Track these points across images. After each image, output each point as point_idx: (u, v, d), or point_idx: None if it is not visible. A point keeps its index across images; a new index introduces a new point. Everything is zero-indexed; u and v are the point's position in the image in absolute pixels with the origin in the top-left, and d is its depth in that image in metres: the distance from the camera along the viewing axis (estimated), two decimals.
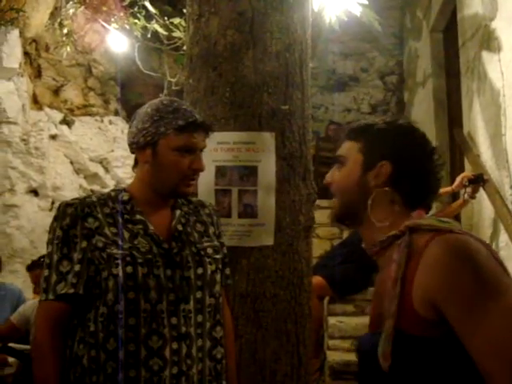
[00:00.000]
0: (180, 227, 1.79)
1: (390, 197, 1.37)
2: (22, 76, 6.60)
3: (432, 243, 1.22)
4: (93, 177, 7.12)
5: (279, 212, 2.30)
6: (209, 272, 1.77)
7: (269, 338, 2.25)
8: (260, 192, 2.28)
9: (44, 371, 1.62)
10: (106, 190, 1.94)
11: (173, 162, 1.73)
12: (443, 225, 1.28)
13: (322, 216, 6.39)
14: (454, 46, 5.90)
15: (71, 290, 1.63)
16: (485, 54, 4.77)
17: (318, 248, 5.36)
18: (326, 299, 4.80)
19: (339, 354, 4.41)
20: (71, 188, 6.89)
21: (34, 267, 4.20)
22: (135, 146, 1.78)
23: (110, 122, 7.36)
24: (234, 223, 2.25)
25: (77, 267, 1.64)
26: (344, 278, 4.71)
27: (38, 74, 7.15)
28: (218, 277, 1.82)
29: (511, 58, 4.18)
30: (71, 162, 7.05)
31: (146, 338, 1.62)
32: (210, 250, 1.82)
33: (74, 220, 1.68)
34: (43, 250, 5.86)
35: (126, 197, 1.77)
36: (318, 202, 6.24)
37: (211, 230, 1.89)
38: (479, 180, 4.27)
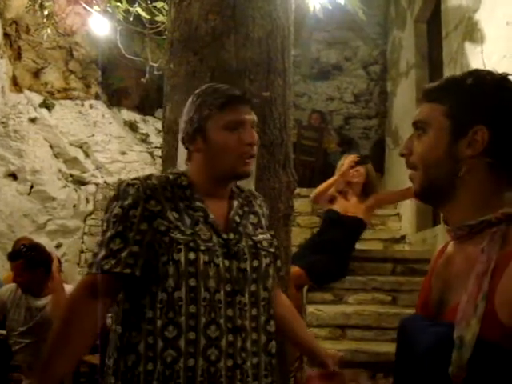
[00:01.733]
0: (238, 218, 1.75)
1: (486, 169, 1.14)
2: (1, 58, 6.51)
3: None
4: (72, 161, 7.06)
5: None
6: (263, 265, 1.73)
7: None
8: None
9: (75, 326, 1.57)
10: (161, 174, 1.85)
11: (224, 141, 1.68)
12: None
13: (302, 204, 6.42)
14: (438, 36, 5.92)
15: (127, 270, 1.56)
16: (468, 46, 4.78)
17: (299, 237, 5.37)
18: (305, 287, 4.82)
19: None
20: (50, 172, 6.83)
21: (15, 258, 4.14)
22: (186, 139, 1.74)
23: (91, 106, 7.30)
24: None
25: (135, 248, 1.57)
26: (321, 267, 4.76)
27: (17, 55, 7.06)
28: (272, 270, 1.77)
29: (493, 50, 4.19)
30: (51, 146, 6.99)
31: (205, 327, 1.57)
32: (265, 243, 1.77)
33: (135, 201, 1.61)
34: (21, 234, 5.83)
35: (185, 182, 1.71)
36: (298, 190, 6.29)
37: (263, 221, 1.86)
38: (365, 161, 4.66)
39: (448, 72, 5.36)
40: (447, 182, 1.17)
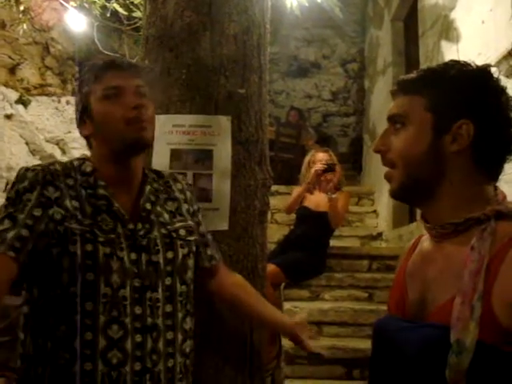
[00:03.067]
0: (148, 206, 1.61)
1: (470, 167, 1.09)
2: None
3: None
4: (49, 158, 6.98)
5: (234, 196, 2.28)
6: (180, 256, 1.60)
7: (221, 322, 2.23)
8: (215, 176, 2.25)
9: None
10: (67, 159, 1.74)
11: (106, 112, 1.55)
12: None
13: (280, 201, 6.43)
14: (415, 35, 5.96)
15: (11, 253, 1.39)
16: (444, 44, 4.82)
17: (276, 233, 5.38)
18: (282, 284, 4.84)
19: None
20: None
21: None
22: (78, 125, 1.64)
23: (68, 103, 7.22)
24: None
25: (24, 232, 1.42)
26: (297, 264, 4.78)
27: None
28: (191, 262, 1.66)
29: (469, 48, 4.23)
30: (27, 143, 6.90)
31: (105, 327, 1.43)
32: (182, 232, 1.65)
33: (32, 185, 1.48)
34: None
35: (89, 168, 1.58)
36: (276, 187, 6.32)
37: (184, 207, 1.73)
38: (332, 169, 4.74)
39: None
40: (430, 180, 1.11)
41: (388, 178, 1.18)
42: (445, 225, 1.10)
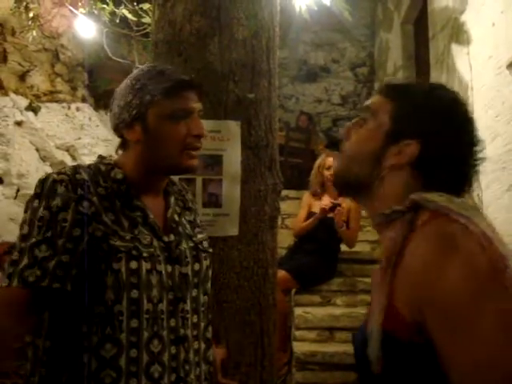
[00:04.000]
0: (176, 217, 1.58)
1: (408, 179, 1.13)
2: None
3: (426, 228, 1.02)
4: (59, 164, 7.00)
5: (244, 202, 2.27)
6: (204, 268, 1.59)
7: (232, 328, 2.22)
8: (225, 181, 2.24)
9: None
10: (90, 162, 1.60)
11: (168, 132, 1.48)
12: (447, 204, 1.05)
13: (290, 206, 6.40)
14: (425, 38, 5.93)
15: (56, 285, 1.33)
16: (454, 47, 4.79)
17: (287, 239, 5.35)
18: (293, 290, 4.82)
19: (305, 344, 4.41)
20: (37, 176, 6.76)
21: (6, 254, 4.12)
22: (122, 126, 1.52)
23: (78, 109, 7.25)
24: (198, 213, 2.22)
25: (65, 258, 1.35)
26: (307, 269, 4.76)
27: (3, 58, 6.99)
28: (210, 272, 1.64)
29: (480, 51, 4.20)
30: (37, 150, 6.93)
31: (148, 343, 1.41)
32: (205, 244, 1.63)
33: (65, 202, 1.38)
34: (7, 239, 5.78)
35: (119, 175, 1.50)
36: (287, 192, 6.27)
37: (198, 219, 1.70)
38: (335, 207, 4.73)
39: (435, 73, 5.37)
40: (368, 181, 1.16)
41: (336, 161, 1.26)
42: (379, 215, 1.14)
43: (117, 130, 1.55)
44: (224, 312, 2.21)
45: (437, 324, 0.95)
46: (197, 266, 1.57)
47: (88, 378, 1.37)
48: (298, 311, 4.65)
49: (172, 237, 1.53)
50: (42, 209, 1.37)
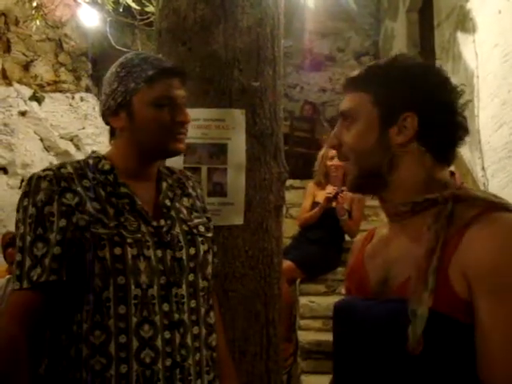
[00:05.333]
0: (168, 202, 1.60)
1: (420, 153, 1.16)
2: None
3: (483, 219, 1.04)
4: (63, 154, 7.01)
5: (249, 191, 2.26)
6: (201, 252, 1.59)
7: (238, 317, 2.22)
8: (230, 170, 2.23)
9: (13, 372, 1.37)
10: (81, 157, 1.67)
11: (153, 118, 1.52)
12: (500, 201, 1.09)
13: (295, 196, 6.39)
14: (430, 26, 5.90)
15: (52, 277, 1.40)
16: (460, 35, 4.76)
17: (292, 228, 5.34)
18: (298, 279, 4.82)
19: (310, 333, 4.42)
20: (41, 165, 6.77)
21: (11, 245, 4.13)
22: (107, 113, 1.57)
23: (82, 99, 7.25)
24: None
25: (56, 250, 1.41)
26: (312, 258, 4.76)
27: (7, 48, 6.99)
28: (210, 257, 1.65)
29: (485, 39, 4.17)
30: (41, 139, 6.94)
31: (137, 328, 1.43)
32: (201, 228, 1.64)
33: (49, 195, 1.43)
34: (12, 229, 5.80)
35: (107, 166, 1.54)
36: (291, 182, 6.27)
37: (198, 204, 1.71)
38: (336, 196, 4.77)
39: (440, 61, 5.35)
40: (381, 170, 1.17)
41: (345, 170, 1.24)
42: (405, 203, 1.15)
43: (104, 117, 1.60)
44: (230, 301, 2.21)
45: (486, 297, 0.99)
46: (192, 251, 1.58)
47: (80, 366, 1.41)
48: (302, 300, 4.66)
49: (163, 222, 1.54)
50: (30, 206, 1.44)
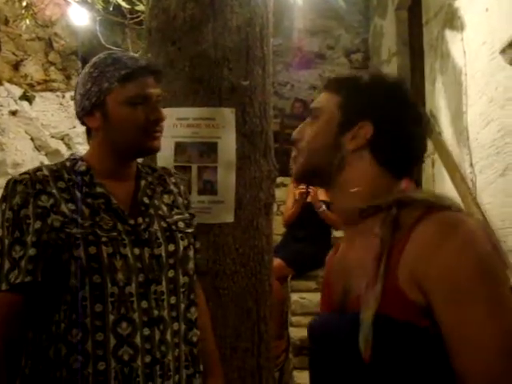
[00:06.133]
0: (146, 200, 1.60)
1: (369, 162, 1.20)
2: None
3: (426, 220, 1.07)
4: (54, 154, 6.99)
5: (239, 189, 2.28)
6: (181, 248, 1.60)
7: (229, 314, 2.24)
8: (220, 169, 2.25)
9: None
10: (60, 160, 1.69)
11: (127, 118, 1.53)
12: (440, 201, 1.12)
13: (285, 193, 6.41)
14: (419, 24, 5.92)
15: (28, 278, 1.41)
16: (448, 33, 4.79)
17: (282, 226, 5.37)
18: (289, 276, 4.85)
19: (302, 330, 4.44)
20: (32, 165, 6.73)
21: None
22: (82, 114, 1.57)
23: (72, 98, 7.22)
24: (193, 200, 2.20)
25: (32, 251, 1.43)
26: (300, 256, 4.80)
27: None
28: (191, 253, 1.65)
29: (473, 37, 4.20)
30: (32, 139, 6.91)
31: (114, 326, 1.44)
32: (181, 224, 1.65)
33: (24, 198, 1.46)
34: None
35: (83, 167, 1.55)
36: (282, 179, 6.28)
37: (179, 200, 1.71)
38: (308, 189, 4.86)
39: (429, 59, 5.38)
40: (330, 169, 1.21)
41: (294, 160, 1.30)
42: (349, 209, 1.20)
43: (79, 117, 1.61)
44: (221, 298, 2.23)
45: (442, 298, 1.00)
46: (172, 247, 1.59)
47: (59, 365, 1.43)
48: (294, 297, 4.69)
49: (140, 220, 1.56)
50: (7, 210, 1.47)
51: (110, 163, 1.59)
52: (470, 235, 1.04)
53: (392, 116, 1.20)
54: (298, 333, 4.41)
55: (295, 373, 4.22)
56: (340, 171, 1.21)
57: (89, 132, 1.64)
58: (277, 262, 4.32)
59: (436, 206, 1.10)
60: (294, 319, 4.56)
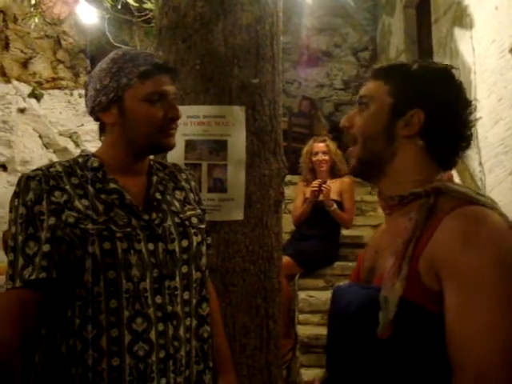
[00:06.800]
0: (159, 195, 1.60)
1: (419, 150, 1.22)
2: None
3: (457, 212, 1.09)
4: (62, 151, 7.02)
5: (249, 187, 2.28)
6: (194, 244, 1.60)
7: (238, 312, 2.25)
8: (230, 166, 2.26)
9: (7, 373, 1.39)
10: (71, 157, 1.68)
11: (145, 114, 1.53)
12: (478, 197, 1.14)
13: (294, 191, 6.41)
14: (427, 22, 5.91)
15: (42, 275, 1.40)
16: (457, 31, 4.78)
17: (290, 224, 5.36)
18: (297, 274, 4.85)
19: (309, 328, 4.44)
20: (40, 163, 6.79)
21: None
22: (98, 109, 1.56)
23: (80, 96, 7.25)
24: (203, 198, 2.21)
25: (46, 247, 1.41)
26: (309, 254, 4.79)
27: (5, 45, 7.00)
28: (204, 248, 1.65)
29: (483, 35, 4.19)
30: (40, 136, 6.95)
31: (129, 321, 1.43)
32: (194, 220, 1.64)
33: (38, 195, 1.45)
34: None
35: (95, 163, 1.55)
36: (290, 177, 6.28)
37: (191, 196, 1.71)
38: (320, 188, 4.77)
39: (437, 57, 5.36)
40: (383, 157, 1.24)
41: (350, 154, 1.31)
42: (393, 196, 1.23)
43: (93, 113, 1.60)
44: (230, 295, 2.23)
45: (456, 288, 1.03)
46: (185, 243, 1.58)
47: (73, 361, 1.42)
48: (301, 295, 4.68)
49: (154, 215, 1.55)
50: (20, 206, 1.45)
51: (124, 159, 1.58)
52: (495, 232, 1.05)
53: (443, 103, 1.22)
54: (305, 331, 4.41)
55: (303, 370, 4.22)
56: (392, 158, 1.24)
57: (102, 128, 1.63)
58: (285, 259, 4.32)
59: (471, 201, 1.13)
60: (301, 317, 4.56)
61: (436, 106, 1.21)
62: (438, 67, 1.28)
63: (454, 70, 1.27)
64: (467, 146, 1.26)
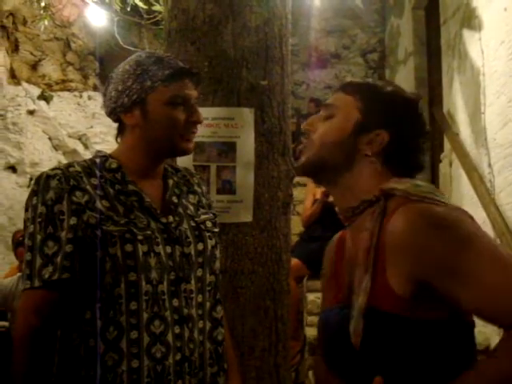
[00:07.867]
0: (175, 199, 1.60)
1: (377, 167, 1.26)
2: None
3: (397, 213, 1.14)
4: (71, 153, 7.05)
5: (258, 188, 2.29)
6: (209, 247, 1.61)
7: (247, 314, 2.25)
8: (238, 168, 2.26)
9: (29, 374, 1.41)
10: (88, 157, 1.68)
11: (168, 117, 1.53)
12: (418, 191, 1.19)
13: (302, 193, 6.41)
14: (436, 23, 5.89)
15: (65, 275, 1.40)
16: (466, 33, 4.77)
17: (299, 225, 5.36)
18: (306, 276, 4.84)
19: None
20: (49, 164, 6.82)
21: (20, 244, 4.19)
22: (120, 110, 1.56)
23: (89, 98, 7.29)
24: (212, 199, 2.23)
25: (68, 248, 1.41)
26: (317, 255, 4.77)
27: (15, 48, 7.04)
28: (218, 252, 1.66)
29: (491, 36, 4.18)
30: (49, 138, 6.98)
31: (148, 324, 1.44)
32: (208, 224, 1.65)
33: (59, 194, 1.43)
34: (22, 227, 5.84)
35: (114, 164, 1.55)
36: (298, 179, 6.27)
37: (204, 200, 1.71)
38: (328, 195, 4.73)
39: (446, 59, 5.35)
40: (338, 168, 1.28)
41: (301, 150, 1.34)
42: (346, 209, 1.28)
43: (113, 113, 1.59)
44: (239, 297, 2.24)
45: (447, 282, 1.07)
46: (200, 246, 1.59)
47: (92, 363, 1.42)
48: (310, 297, 4.68)
49: (171, 218, 1.55)
50: (39, 205, 1.44)
51: (143, 161, 1.58)
52: (438, 221, 1.10)
53: (407, 129, 1.28)
54: (314, 332, 4.39)
55: (311, 372, 4.22)
56: (346, 171, 1.27)
57: (121, 129, 1.62)
58: (294, 261, 4.32)
59: (411, 197, 1.17)
60: (310, 319, 4.56)
61: (400, 131, 1.26)
62: (407, 95, 1.33)
63: (420, 102, 1.34)
64: (420, 170, 1.32)
